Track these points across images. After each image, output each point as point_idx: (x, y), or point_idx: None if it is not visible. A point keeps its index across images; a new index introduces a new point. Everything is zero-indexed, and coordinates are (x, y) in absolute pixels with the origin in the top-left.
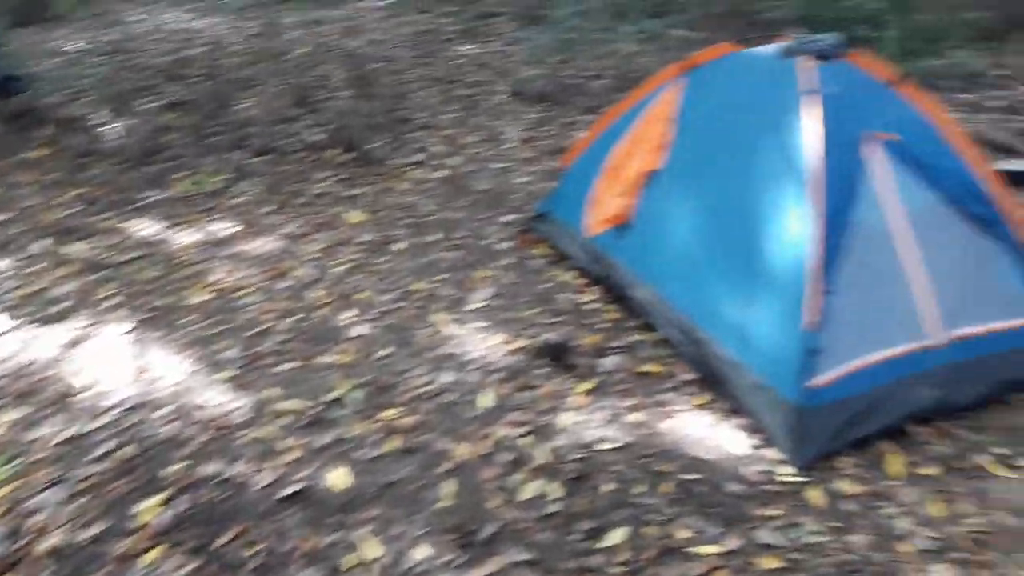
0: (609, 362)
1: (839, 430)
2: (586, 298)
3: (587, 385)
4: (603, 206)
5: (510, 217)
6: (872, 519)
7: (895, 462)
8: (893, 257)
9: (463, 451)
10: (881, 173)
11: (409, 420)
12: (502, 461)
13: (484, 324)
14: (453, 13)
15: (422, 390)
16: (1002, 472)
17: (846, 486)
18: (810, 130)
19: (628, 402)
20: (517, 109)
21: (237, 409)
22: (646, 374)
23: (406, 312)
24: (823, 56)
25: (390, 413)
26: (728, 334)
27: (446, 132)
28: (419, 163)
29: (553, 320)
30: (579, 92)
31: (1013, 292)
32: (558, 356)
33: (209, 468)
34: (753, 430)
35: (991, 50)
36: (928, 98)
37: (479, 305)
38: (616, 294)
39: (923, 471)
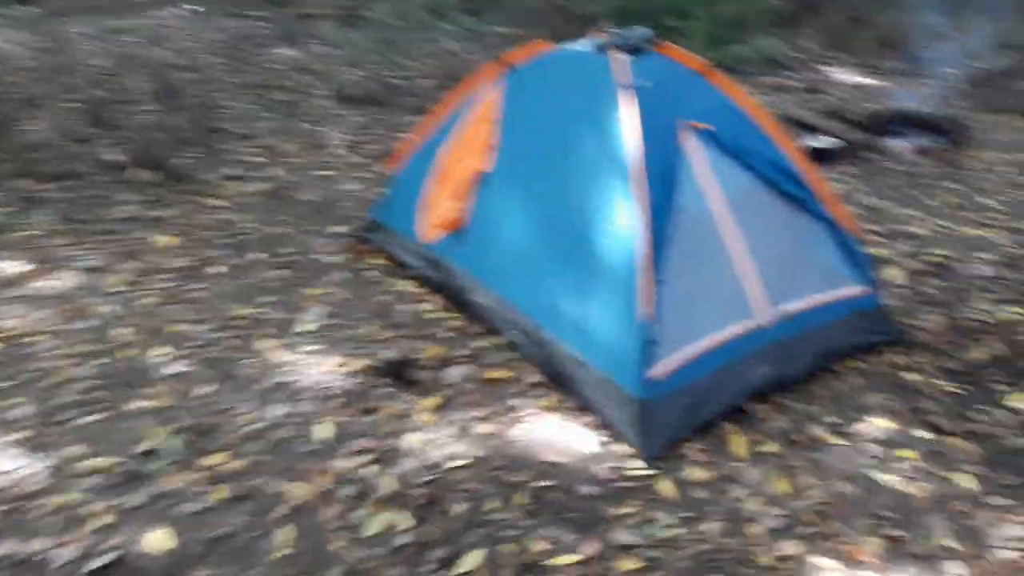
0: (454, 373)
1: (682, 417)
2: (426, 307)
3: (433, 401)
4: (436, 211)
5: (340, 228)
6: (722, 504)
7: (738, 442)
8: (718, 242)
9: (300, 491)
10: (699, 161)
11: (237, 464)
12: (344, 496)
13: (317, 347)
14: (267, 16)
15: (250, 428)
16: (834, 440)
17: (695, 473)
18: (627, 124)
19: (476, 413)
20: (341, 113)
21: (33, 475)
22: (493, 381)
23: (228, 342)
24: (634, 50)
25: (214, 459)
26: (569, 332)
27: (265, 142)
28: (236, 177)
29: (393, 334)
30: (404, 93)
31: (830, 266)
32: (400, 373)
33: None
34: (601, 426)
35: (787, 35)
36: (735, 85)
37: (311, 326)
38: (457, 301)
39: (765, 448)
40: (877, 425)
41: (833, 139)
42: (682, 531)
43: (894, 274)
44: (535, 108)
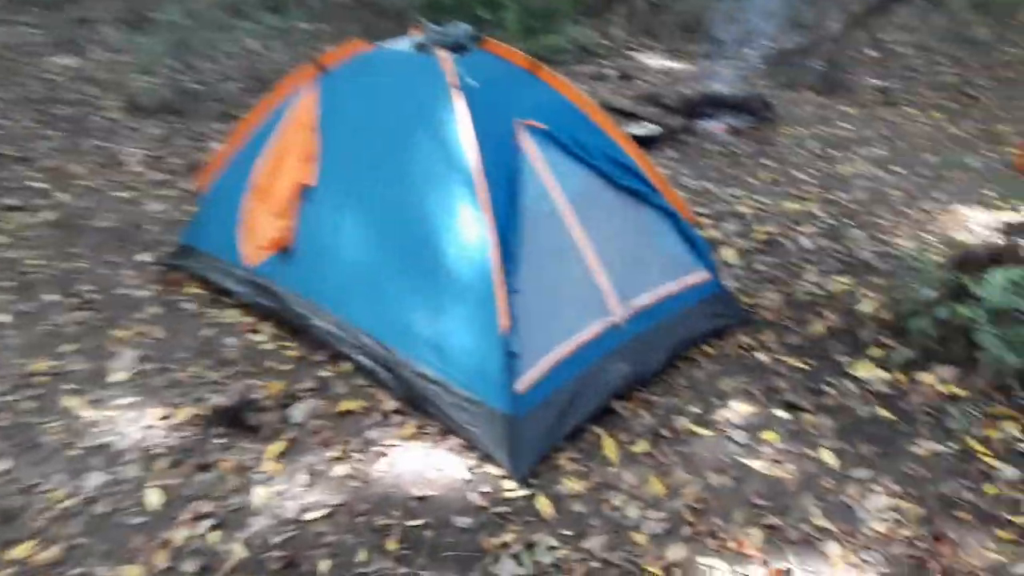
0: (299, 410)
1: (551, 428)
2: (258, 338)
3: (278, 446)
4: (259, 230)
5: (147, 256)
6: (603, 515)
7: (608, 446)
8: (567, 242)
9: (133, 574)
10: (538, 161)
11: (51, 552)
12: (188, 572)
13: (134, 398)
14: (38, 23)
15: (62, 506)
16: (700, 430)
17: (570, 484)
18: (464, 127)
19: (330, 453)
20: (134, 126)
21: None
22: (345, 414)
23: (24, 404)
24: (458, 48)
25: (21, 549)
26: (424, 351)
27: (49, 164)
28: (17, 207)
29: (222, 374)
30: (206, 98)
31: (674, 255)
32: (236, 418)
33: None
34: (468, 448)
35: (596, 23)
36: (563, 80)
37: (124, 375)
38: (293, 327)
39: (635, 448)
40: (737, 411)
41: (652, 125)
42: (567, 552)
43: (728, 255)
44: (359, 114)
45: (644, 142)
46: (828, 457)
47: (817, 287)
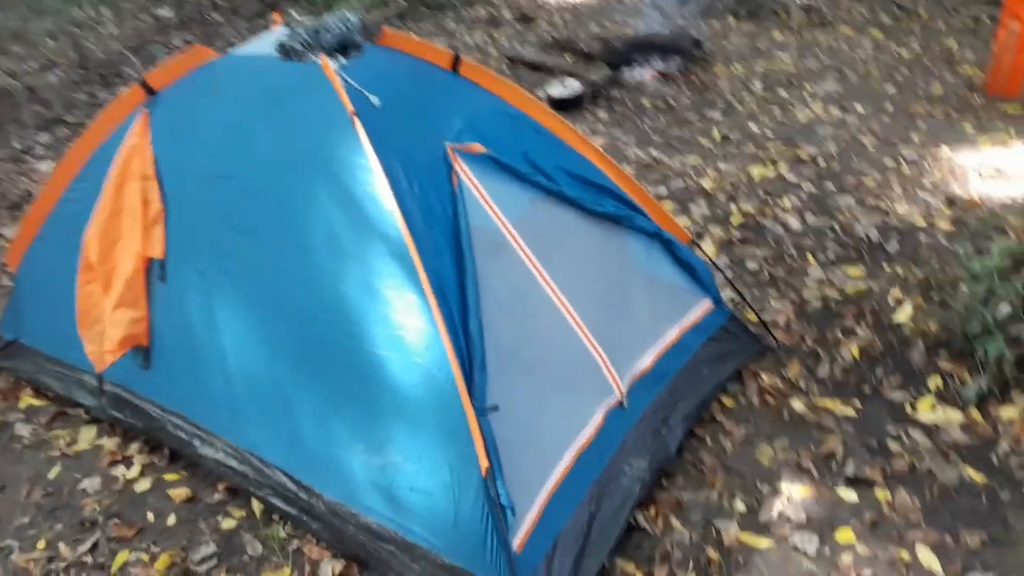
0: None
1: None
2: (130, 474)
3: None
4: (102, 324)
5: None
6: None
7: None
8: (545, 311)
9: None
10: (485, 201)
11: None
12: None
13: None
14: None
15: None
16: (756, 541)
17: None
18: (376, 175)
19: None
20: None
21: None
22: None
23: None
24: (342, 47)
25: None
26: (367, 496)
27: None
28: None
29: (83, 550)
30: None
31: (671, 290)
32: None
33: None
34: None
35: None
36: (493, 74)
37: None
38: (178, 455)
39: None
40: (792, 498)
41: (573, 82)
42: None
43: (707, 250)
44: (213, 154)
45: (566, 104)
46: (928, 559)
47: (828, 286)
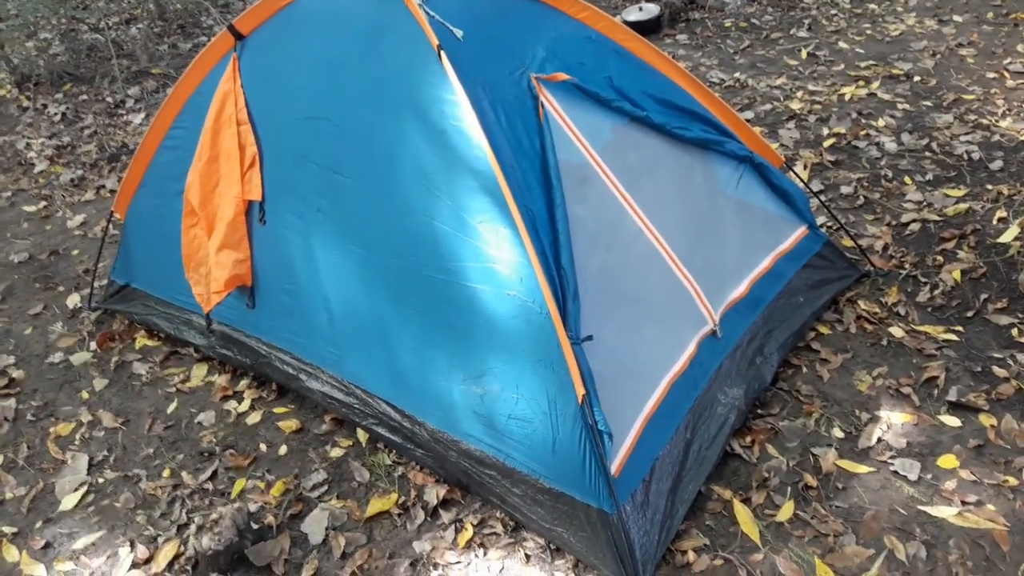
0: (316, 524)
1: (665, 513)
2: (241, 408)
3: None
4: (207, 266)
5: (76, 299)
6: None
7: (744, 517)
8: (634, 238)
9: None
10: (572, 131)
11: None
12: None
13: (93, 535)
14: None
15: None
16: (855, 467)
17: None
18: (464, 110)
19: None
20: (28, 105)
21: None
22: (378, 517)
23: None
24: None
25: None
26: (469, 424)
27: None
28: None
29: (205, 478)
30: (111, 54)
31: (764, 216)
32: (236, 560)
33: None
34: (555, 553)
35: None
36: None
37: (74, 499)
38: (285, 389)
39: (780, 516)
40: (893, 425)
41: (650, 5)
42: None
43: (799, 174)
44: (302, 96)
45: (644, 29)
46: None
47: (927, 208)
